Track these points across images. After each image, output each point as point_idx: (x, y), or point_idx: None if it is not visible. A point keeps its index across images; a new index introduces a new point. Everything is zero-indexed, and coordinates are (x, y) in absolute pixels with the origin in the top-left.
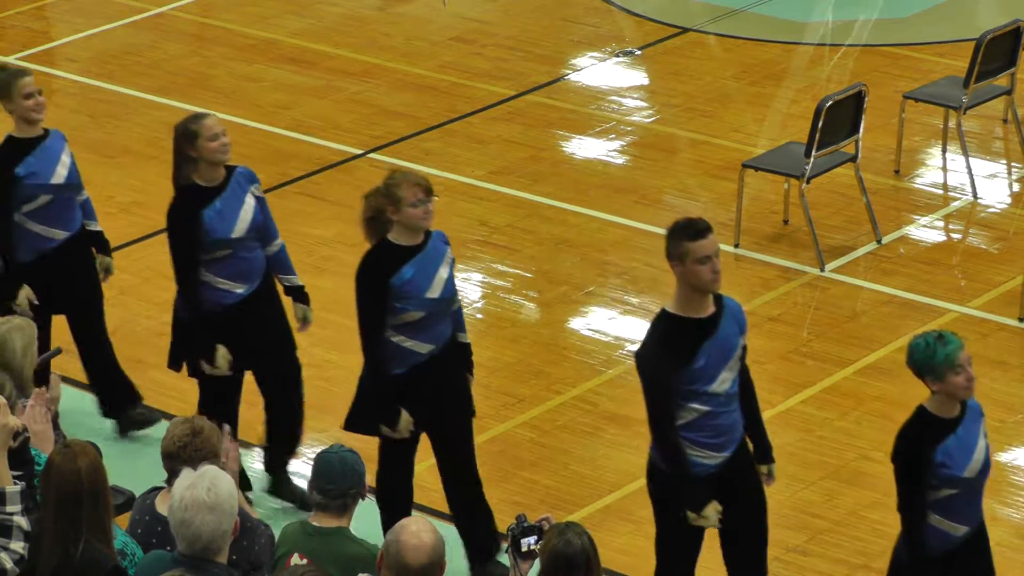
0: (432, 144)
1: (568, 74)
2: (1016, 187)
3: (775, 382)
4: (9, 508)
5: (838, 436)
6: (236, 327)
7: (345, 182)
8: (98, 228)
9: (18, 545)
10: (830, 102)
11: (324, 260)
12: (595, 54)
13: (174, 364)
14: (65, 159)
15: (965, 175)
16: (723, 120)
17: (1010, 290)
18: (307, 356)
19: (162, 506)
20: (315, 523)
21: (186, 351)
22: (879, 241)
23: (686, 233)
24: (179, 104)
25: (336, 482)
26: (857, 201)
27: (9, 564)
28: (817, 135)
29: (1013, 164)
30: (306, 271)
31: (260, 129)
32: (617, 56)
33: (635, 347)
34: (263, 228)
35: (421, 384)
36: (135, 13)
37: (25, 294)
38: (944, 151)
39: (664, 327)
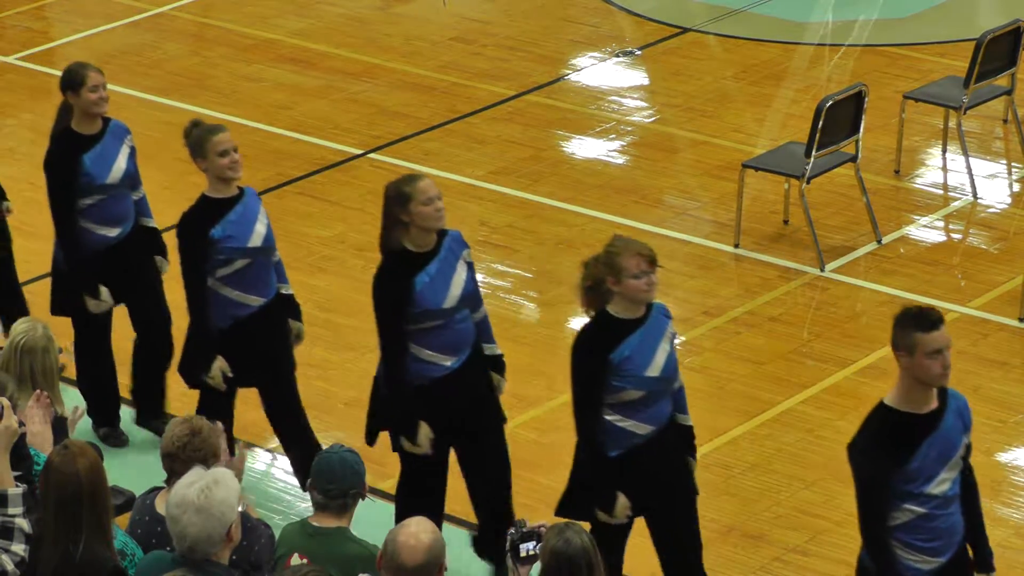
0: (432, 144)
1: (568, 74)
2: (1016, 187)
3: (775, 382)
4: (11, 510)
5: (838, 436)
6: (444, 401)
7: (345, 182)
8: (290, 291)
9: (19, 547)
10: (830, 102)
11: (323, 260)
12: (595, 54)
13: (370, 438)
14: (263, 219)
15: (965, 175)
16: (723, 120)
17: (1010, 290)
18: (307, 356)
19: (162, 506)
20: (315, 523)
21: (385, 425)
22: (879, 241)
23: (917, 324)
24: (179, 104)
25: (336, 482)
26: (857, 201)
27: (10, 566)
28: (817, 135)
29: (1013, 164)
30: (305, 271)
31: (260, 129)
32: (617, 56)
33: None
34: (473, 296)
35: (639, 467)
36: (135, 13)
37: (219, 366)
38: (944, 151)
39: (882, 421)
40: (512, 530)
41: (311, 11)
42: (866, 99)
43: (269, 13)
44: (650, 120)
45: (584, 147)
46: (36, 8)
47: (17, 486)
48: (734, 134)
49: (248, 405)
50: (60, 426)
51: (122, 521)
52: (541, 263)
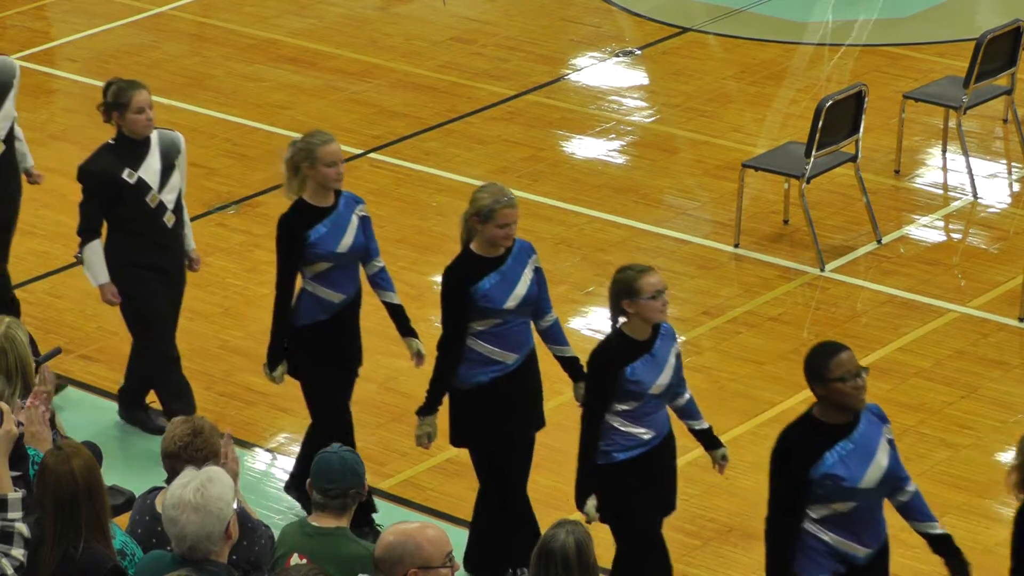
0: (432, 144)
1: (568, 74)
2: (1016, 187)
3: (775, 382)
4: (11, 515)
5: None
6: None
7: (345, 182)
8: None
9: (19, 552)
10: (830, 102)
11: None
12: (595, 54)
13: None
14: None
15: (965, 175)
16: (723, 120)
17: (1010, 290)
18: None
19: (161, 506)
20: (314, 523)
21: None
22: (879, 241)
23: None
24: (179, 104)
25: (336, 482)
26: (857, 201)
27: (10, 571)
28: (817, 135)
29: (1013, 164)
30: None
31: (260, 129)
32: (617, 56)
33: None
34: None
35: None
36: (135, 13)
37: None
38: (944, 151)
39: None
40: None
41: (311, 11)
42: (866, 99)
43: (269, 13)
44: (650, 120)
45: (584, 147)
46: (36, 8)
47: (16, 490)
48: (734, 134)
49: (246, 404)
50: None
51: (122, 521)
52: (541, 263)
